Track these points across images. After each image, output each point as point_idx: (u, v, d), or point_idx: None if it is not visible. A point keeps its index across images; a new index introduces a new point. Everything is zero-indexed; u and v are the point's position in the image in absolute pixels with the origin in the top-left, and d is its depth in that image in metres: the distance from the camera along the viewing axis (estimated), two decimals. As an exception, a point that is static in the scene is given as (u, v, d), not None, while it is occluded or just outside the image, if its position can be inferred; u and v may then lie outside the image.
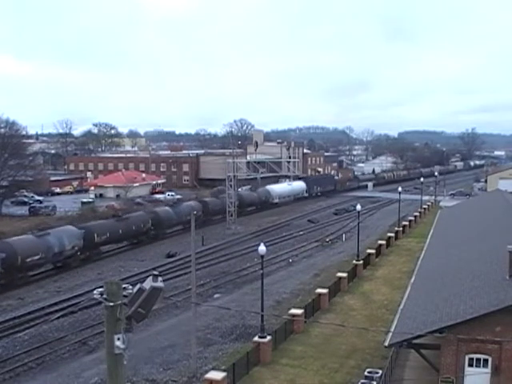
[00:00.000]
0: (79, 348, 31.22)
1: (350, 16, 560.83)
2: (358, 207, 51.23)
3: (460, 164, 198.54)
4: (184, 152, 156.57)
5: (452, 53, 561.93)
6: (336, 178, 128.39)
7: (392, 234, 58.64)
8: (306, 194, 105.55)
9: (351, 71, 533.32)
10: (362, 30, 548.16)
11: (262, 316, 28.32)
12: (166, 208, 68.36)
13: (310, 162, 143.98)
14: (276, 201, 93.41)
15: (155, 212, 64.89)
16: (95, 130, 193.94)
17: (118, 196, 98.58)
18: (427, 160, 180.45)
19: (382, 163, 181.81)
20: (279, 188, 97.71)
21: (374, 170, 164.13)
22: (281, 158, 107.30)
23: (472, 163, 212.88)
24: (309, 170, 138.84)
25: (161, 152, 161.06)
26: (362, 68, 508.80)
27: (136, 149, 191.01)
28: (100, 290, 7.01)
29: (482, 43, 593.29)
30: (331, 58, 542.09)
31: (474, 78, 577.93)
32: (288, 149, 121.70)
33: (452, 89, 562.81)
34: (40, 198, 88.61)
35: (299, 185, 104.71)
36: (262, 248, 27.63)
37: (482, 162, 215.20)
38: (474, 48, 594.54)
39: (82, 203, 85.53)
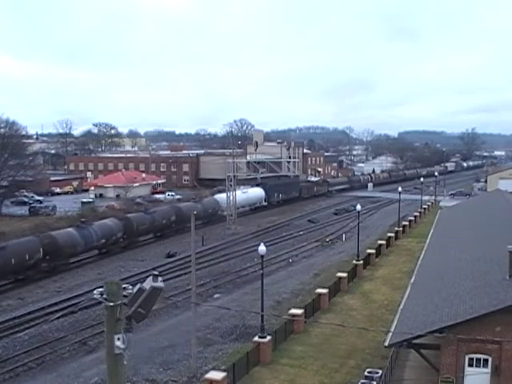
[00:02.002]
0: (79, 348, 31.22)
1: (351, 16, 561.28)
2: (358, 207, 51.25)
3: (451, 165, 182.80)
4: (184, 152, 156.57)
5: (452, 53, 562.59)
6: (307, 182, 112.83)
7: (392, 234, 58.64)
8: (264, 203, 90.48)
9: (351, 71, 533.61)
10: (363, 30, 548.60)
11: (262, 316, 28.32)
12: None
13: (309, 162, 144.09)
14: (227, 212, 77.77)
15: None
16: (95, 130, 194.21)
17: (118, 196, 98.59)
18: (427, 160, 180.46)
19: (382, 163, 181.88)
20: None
21: (373, 170, 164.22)
22: (281, 158, 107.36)
23: (465, 164, 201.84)
24: (309, 170, 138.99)
25: (161, 152, 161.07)
26: (362, 68, 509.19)
27: (136, 149, 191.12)
28: (100, 289, 7.01)
29: (483, 43, 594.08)
30: (331, 58, 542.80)
31: (474, 77, 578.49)
32: (288, 149, 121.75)
33: (452, 89, 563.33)
34: (40, 198, 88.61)
35: (256, 192, 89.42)
36: (261, 248, 27.63)
37: (476, 162, 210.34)
38: (474, 48, 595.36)
39: (82, 203, 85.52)
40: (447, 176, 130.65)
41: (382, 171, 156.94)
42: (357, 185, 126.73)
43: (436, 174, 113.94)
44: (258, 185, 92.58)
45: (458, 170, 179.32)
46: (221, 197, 79.19)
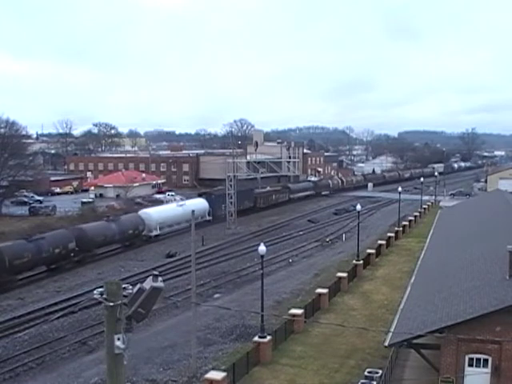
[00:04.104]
0: (79, 348, 31.23)
1: (351, 16, 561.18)
2: (358, 207, 51.26)
3: (439, 166, 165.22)
4: (184, 152, 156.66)
5: (452, 53, 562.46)
6: (258, 190, 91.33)
7: (392, 234, 58.63)
8: (208, 217, 74.92)
9: (351, 71, 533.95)
10: (363, 29, 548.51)
11: (262, 316, 28.32)
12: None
13: (310, 162, 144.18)
14: (155, 233, 63.71)
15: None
16: (95, 130, 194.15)
17: (117, 196, 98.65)
18: (427, 160, 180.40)
19: (382, 163, 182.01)
20: (161, 212, 66.65)
21: (373, 170, 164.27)
22: (281, 158, 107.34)
23: (456, 165, 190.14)
24: (309, 170, 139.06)
25: (161, 152, 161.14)
26: (363, 68, 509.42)
27: (136, 149, 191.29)
28: (100, 289, 7.03)
29: (483, 43, 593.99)
30: (331, 58, 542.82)
31: (475, 77, 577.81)
32: (288, 149, 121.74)
33: (452, 88, 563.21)
34: (40, 198, 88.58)
35: (198, 204, 72.31)
36: (261, 248, 27.63)
37: (468, 164, 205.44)
38: (474, 48, 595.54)
39: (82, 203, 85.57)
40: (446, 176, 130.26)
41: (365, 174, 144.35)
42: (324, 190, 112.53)
43: (436, 174, 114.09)
44: (200, 195, 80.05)
45: (447, 171, 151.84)
46: (147, 212, 64.00)
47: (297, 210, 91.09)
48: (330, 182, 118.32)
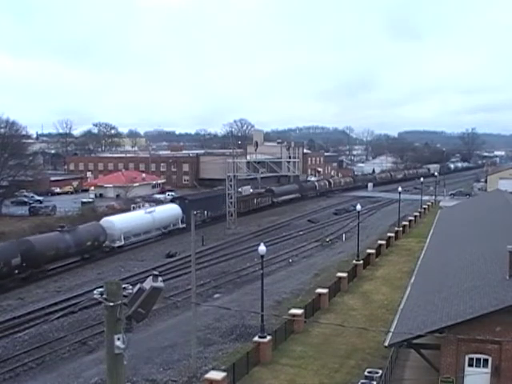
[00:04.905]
0: (79, 348, 31.23)
1: (351, 15, 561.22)
2: (358, 207, 51.28)
3: (434, 166, 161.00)
4: (184, 152, 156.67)
5: (452, 53, 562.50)
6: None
7: (392, 234, 58.65)
8: (181, 225, 68.19)
9: (351, 71, 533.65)
10: (363, 29, 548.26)
11: (262, 316, 28.32)
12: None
13: (310, 162, 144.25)
14: (119, 243, 57.41)
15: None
16: (95, 130, 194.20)
17: (118, 196, 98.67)
18: (427, 160, 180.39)
19: (382, 163, 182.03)
20: (126, 220, 59.59)
21: (373, 170, 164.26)
22: (281, 158, 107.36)
23: (452, 165, 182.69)
24: (309, 170, 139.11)
25: (161, 152, 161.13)
26: (363, 68, 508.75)
27: (136, 149, 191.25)
28: (100, 289, 7.03)
29: (483, 43, 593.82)
30: (331, 58, 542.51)
31: (475, 77, 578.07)
32: (288, 149, 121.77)
33: (452, 88, 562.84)
34: (40, 198, 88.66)
35: (169, 211, 67.91)
36: (261, 248, 27.63)
37: (465, 164, 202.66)
38: (474, 48, 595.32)
39: (82, 203, 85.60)
40: (445, 177, 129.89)
41: (354, 176, 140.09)
42: (311, 193, 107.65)
43: (436, 174, 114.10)
44: (172, 200, 74.67)
45: (444, 172, 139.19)
46: (109, 221, 57.13)
47: (297, 210, 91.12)
48: (316, 184, 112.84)
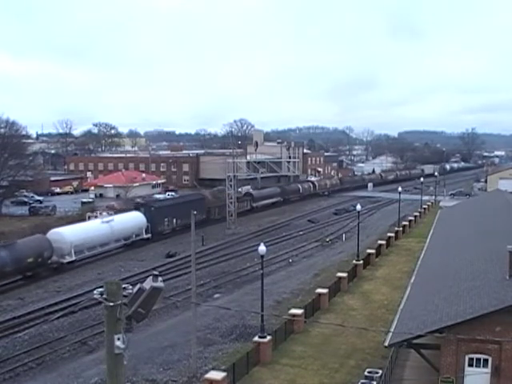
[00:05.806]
0: (79, 348, 31.24)
1: (351, 15, 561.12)
2: (358, 207, 51.27)
3: (428, 167, 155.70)
4: (184, 152, 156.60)
5: (453, 53, 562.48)
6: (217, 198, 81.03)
7: (392, 234, 58.64)
8: (146, 235, 61.36)
9: (352, 71, 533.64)
10: (363, 29, 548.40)
11: (262, 316, 28.32)
12: None
13: (310, 162, 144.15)
14: (70, 259, 49.78)
15: None
16: (95, 130, 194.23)
17: (118, 196, 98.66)
18: (427, 160, 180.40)
19: (382, 163, 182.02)
20: (78, 232, 51.68)
21: (373, 170, 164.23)
22: (281, 158, 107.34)
23: (448, 166, 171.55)
24: (309, 170, 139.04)
25: (161, 152, 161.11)
26: (363, 67, 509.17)
27: (136, 149, 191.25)
28: (100, 289, 7.03)
29: (483, 43, 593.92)
30: (332, 58, 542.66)
31: (475, 77, 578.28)
32: (288, 149, 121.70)
33: (452, 89, 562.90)
34: (40, 198, 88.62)
35: (131, 220, 60.02)
36: (261, 248, 27.63)
37: (461, 164, 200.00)
38: (474, 48, 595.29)
39: (82, 203, 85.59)
40: (446, 176, 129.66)
41: (342, 178, 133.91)
42: (293, 196, 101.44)
43: (436, 174, 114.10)
44: (136, 208, 64.94)
45: (440, 173, 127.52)
46: (58, 233, 49.58)
47: (297, 210, 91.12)
48: (299, 186, 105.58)
